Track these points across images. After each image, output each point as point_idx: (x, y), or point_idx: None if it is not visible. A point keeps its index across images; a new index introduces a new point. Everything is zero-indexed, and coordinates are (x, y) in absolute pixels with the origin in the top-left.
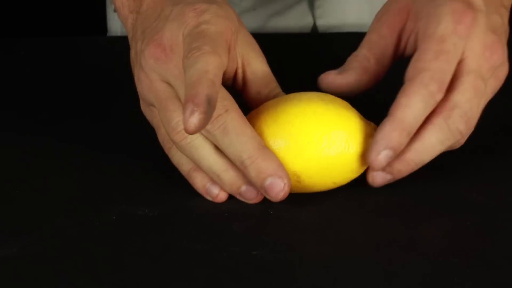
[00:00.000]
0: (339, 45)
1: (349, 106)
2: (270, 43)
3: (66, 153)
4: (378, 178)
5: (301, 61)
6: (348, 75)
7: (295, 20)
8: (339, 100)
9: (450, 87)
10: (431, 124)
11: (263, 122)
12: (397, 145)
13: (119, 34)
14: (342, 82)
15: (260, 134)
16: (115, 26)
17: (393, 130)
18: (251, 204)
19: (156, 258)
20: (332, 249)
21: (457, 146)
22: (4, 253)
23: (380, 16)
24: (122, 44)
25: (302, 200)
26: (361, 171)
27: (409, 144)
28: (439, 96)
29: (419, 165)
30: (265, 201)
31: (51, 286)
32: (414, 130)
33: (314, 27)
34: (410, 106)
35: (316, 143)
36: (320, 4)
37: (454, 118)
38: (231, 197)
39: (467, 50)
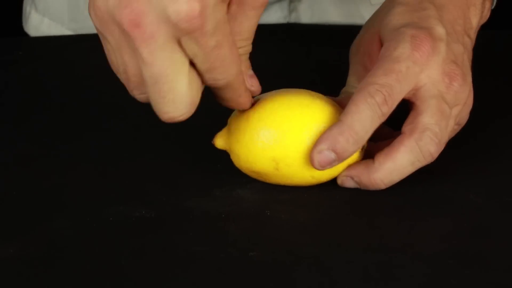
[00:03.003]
0: (317, 38)
1: (336, 105)
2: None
3: (63, 154)
4: (346, 183)
5: (279, 54)
6: (346, 101)
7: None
8: (326, 98)
9: (416, 111)
10: (403, 146)
11: (251, 109)
12: (341, 149)
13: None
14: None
15: (246, 119)
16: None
17: (340, 134)
18: (247, 206)
19: (153, 260)
20: (330, 250)
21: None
22: (1, 253)
23: (357, 47)
24: None
25: (300, 201)
26: (340, 169)
27: (379, 163)
28: (385, 109)
29: (388, 185)
30: (262, 203)
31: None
32: (362, 141)
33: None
34: (358, 112)
35: (297, 132)
36: (294, 7)
37: (425, 140)
38: (229, 198)
39: (425, 77)
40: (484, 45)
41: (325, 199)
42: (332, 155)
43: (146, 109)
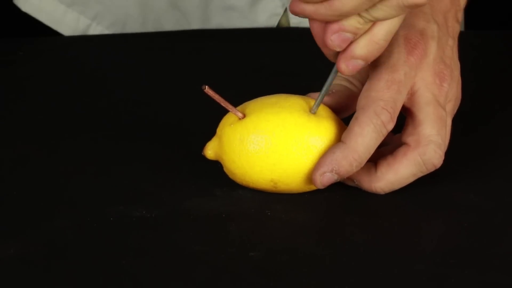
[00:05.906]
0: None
1: (330, 111)
2: (244, 39)
3: (63, 154)
4: (347, 182)
5: (275, 57)
6: (336, 97)
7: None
8: (321, 106)
9: (416, 121)
10: (406, 159)
11: (244, 128)
12: (344, 172)
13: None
14: (331, 104)
15: (240, 140)
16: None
17: (344, 158)
18: (248, 206)
19: (153, 260)
20: (330, 250)
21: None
22: (1, 254)
23: None
24: (119, 44)
25: (300, 201)
26: None
27: (382, 173)
28: (390, 126)
29: (387, 192)
30: (262, 203)
31: (48, 287)
32: (364, 161)
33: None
34: (363, 135)
35: (295, 153)
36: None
37: (429, 154)
38: (229, 198)
39: (418, 80)
40: (484, 45)
41: (326, 199)
42: (335, 177)
43: (147, 109)
